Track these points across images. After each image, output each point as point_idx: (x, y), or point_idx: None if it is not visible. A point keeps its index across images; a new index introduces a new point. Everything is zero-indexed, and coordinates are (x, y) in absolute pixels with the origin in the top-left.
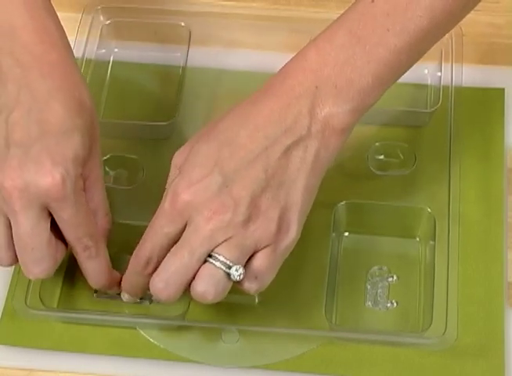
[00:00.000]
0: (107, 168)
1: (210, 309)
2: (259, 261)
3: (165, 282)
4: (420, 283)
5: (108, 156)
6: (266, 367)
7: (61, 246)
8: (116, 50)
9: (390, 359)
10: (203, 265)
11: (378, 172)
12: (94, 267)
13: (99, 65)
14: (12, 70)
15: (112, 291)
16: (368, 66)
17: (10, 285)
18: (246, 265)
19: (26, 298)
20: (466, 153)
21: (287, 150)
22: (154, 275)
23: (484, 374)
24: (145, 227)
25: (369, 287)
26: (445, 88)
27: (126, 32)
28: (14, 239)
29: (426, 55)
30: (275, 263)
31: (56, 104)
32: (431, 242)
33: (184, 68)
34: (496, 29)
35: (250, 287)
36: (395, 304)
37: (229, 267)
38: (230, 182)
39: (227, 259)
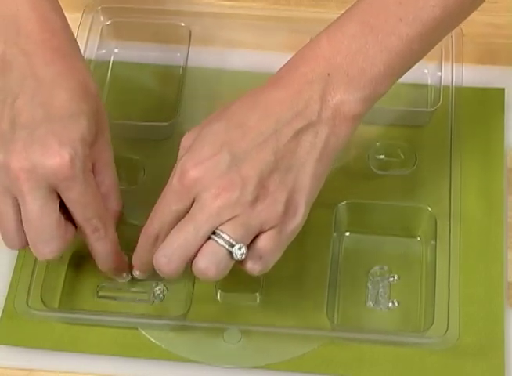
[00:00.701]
0: None
1: (212, 308)
2: (264, 242)
3: (168, 257)
4: (422, 282)
5: None
6: (268, 367)
7: (70, 227)
8: (116, 50)
9: (391, 359)
10: (207, 242)
11: (379, 172)
12: (102, 248)
13: (100, 65)
14: (17, 59)
15: (120, 275)
16: (380, 55)
17: (10, 285)
18: (251, 245)
19: (27, 298)
20: (466, 153)
21: (297, 134)
22: (158, 250)
23: (484, 374)
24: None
25: (370, 286)
26: (446, 87)
27: (126, 32)
28: (23, 220)
29: (426, 55)
30: (279, 245)
31: (61, 90)
32: (432, 242)
33: (184, 68)
34: (496, 29)
35: (254, 267)
36: (397, 304)
37: (232, 245)
38: (239, 162)
39: (231, 238)
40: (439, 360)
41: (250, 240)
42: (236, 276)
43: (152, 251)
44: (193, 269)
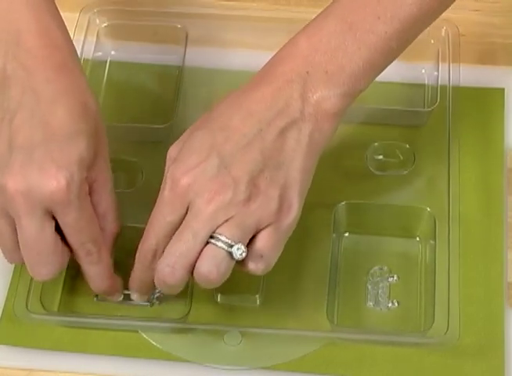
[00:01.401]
0: None
1: (212, 310)
2: (262, 240)
3: (171, 266)
4: (421, 282)
5: None
6: (268, 368)
7: (66, 249)
8: (113, 52)
9: (391, 360)
10: (206, 247)
11: (377, 172)
12: (95, 272)
13: (96, 67)
14: (17, 74)
15: (113, 297)
16: (359, 52)
17: (10, 285)
18: (250, 245)
19: (27, 302)
20: (466, 153)
21: (282, 132)
22: (159, 262)
23: (484, 374)
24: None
25: (369, 287)
26: (443, 87)
27: (123, 34)
28: (19, 242)
29: (423, 55)
30: (278, 242)
31: (60, 108)
32: (431, 241)
33: (181, 70)
34: (496, 29)
35: (257, 267)
36: (396, 304)
37: (231, 246)
38: (228, 164)
39: (228, 239)
40: (439, 360)
41: (248, 240)
42: (235, 278)
43: (150, 267)
44: (195, 274)
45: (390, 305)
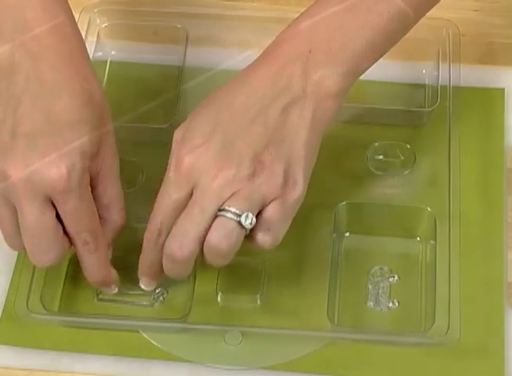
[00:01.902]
0: None
1: (213, 310)
2: (269, 213)
3: (180, 241)
4: (422, 282)
5: None
6: (268, 368)
7: (66, 237)
8: (113, 52)
9: (392, 359)
10: (215, 219)
11: (378, 172)
12: (91, 262)
13: (97, 67)
14: (23, 61)
15: (108, 289)
16: (362, 31)
17: (10, 285)
18: (258, 218)
19: (27, 302)
20: (466, 153)
21: (285, 109)
22: (168, 238)
23: (484, 374)
24: (144, 228)
25: (370, 287)
26: (443, 87)
27: (123, 34)
28: (21, 228)
29: (424, 55)
30: (285, 216)
31: (64, 96)
32: (432, 241)
33: (181, 70)
34: (496, 29)
35: (264, 239)
36: (397, 304)
37: (240, 215)
38: (232, 141)
39: (237, 209)
40: (439, 360)
41: (255, 213)
42: (236, 278)
43: (157, 247)
44: (206, 248)
45: (390, 305)
